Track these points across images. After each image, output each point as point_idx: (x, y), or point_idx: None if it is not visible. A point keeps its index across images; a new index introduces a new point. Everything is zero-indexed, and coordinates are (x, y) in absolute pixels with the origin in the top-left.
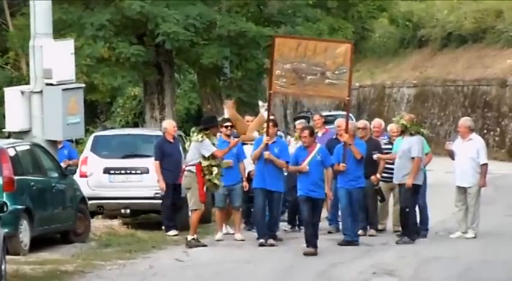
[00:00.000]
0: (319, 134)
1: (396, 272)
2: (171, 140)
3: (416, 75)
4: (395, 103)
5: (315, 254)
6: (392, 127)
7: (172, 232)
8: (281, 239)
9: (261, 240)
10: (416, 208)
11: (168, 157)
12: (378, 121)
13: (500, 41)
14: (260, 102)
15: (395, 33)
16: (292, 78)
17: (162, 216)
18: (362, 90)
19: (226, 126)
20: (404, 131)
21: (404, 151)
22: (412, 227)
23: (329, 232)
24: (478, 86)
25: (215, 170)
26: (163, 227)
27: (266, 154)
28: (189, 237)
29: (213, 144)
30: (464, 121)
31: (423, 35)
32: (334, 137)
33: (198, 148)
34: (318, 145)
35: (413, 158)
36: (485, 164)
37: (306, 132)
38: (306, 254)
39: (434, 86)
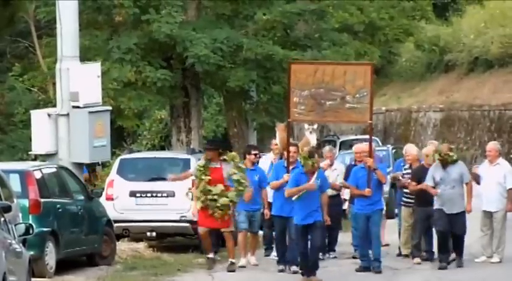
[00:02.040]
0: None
1: None
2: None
3: (442, 99)
4: (421, 127)
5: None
6: (413, 153)
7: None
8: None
9: (281, 266)
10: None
11: None
12: (410, 147)
13: None
14: (306, 125)
15: (422, 57)
16: (311, 105)
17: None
18: (388, 114)
19: (255, 155)
20: (447, 161)
21: (456, 179)
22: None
23: (354, 257)
24: (505, 111)
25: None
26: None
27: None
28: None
29: (204, 167)
30: (494, 145)
31: (450, 59)
32: (353, 163)
33: None
34: (318, 170)
35: (466, 183)
36: None
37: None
38: None
39: (460, 110)
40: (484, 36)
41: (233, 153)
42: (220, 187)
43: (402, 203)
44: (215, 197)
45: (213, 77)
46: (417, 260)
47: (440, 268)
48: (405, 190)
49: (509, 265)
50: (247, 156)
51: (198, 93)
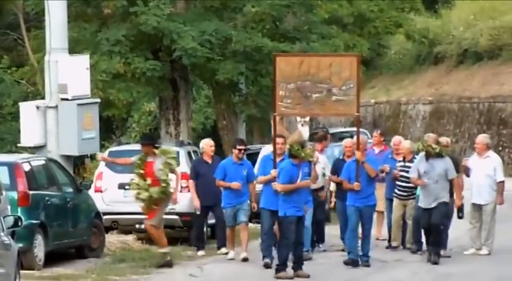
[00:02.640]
0: (376, 151)
1: None
2: (208, 161)
3: (431, 92)
4: (410, 120)
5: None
6: (407, 146)
7: (201, 253)
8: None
9: (266, 260)
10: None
11: (202, 178)
12: (397, 139)
13: None
14: (298, 118)
15: (411, 50)
16: (297, 98)
17: (193, 236)
18: (377, 107)
19: (240, 150)
20: (431, 153)
21: (440, 174)
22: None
23: (342, 250)
24: (494, 103)
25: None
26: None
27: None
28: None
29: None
30: (483, 138)
31: (439, 51)
32: (341, 157)
33: None
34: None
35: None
36: (502, 182)
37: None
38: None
39: (449, 103)
40: (473, 28)
41: (165, 148)
42: (148, 182)
43: (395, 195)
44: (140, 191)
45: (201, 69)
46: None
47: (432, 262)
48: (398, 183)
49: (498, 257)
50: (233, 150)
51: (187, 86)
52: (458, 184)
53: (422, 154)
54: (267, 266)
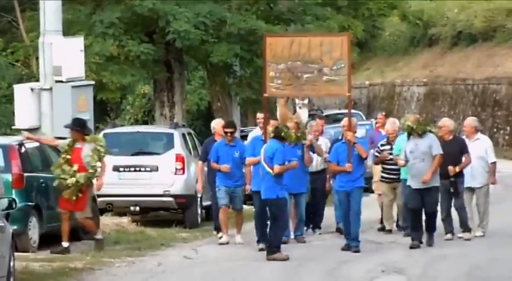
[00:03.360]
0: (383, 133)
1: (405, 270)
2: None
3: (426, 73)
4: (405, 101)
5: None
6: (388, 128)
7: (220, 235)
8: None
9: (261, 245)
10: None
11: None
12: (391, 121)
13: (510, 39)
14: (296, 100)
15: (406, 31)
16: (288, 79)
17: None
18: (372, 88)
19: (226, 133)
20: (411, 132)
21: (425, 152)
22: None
23: (337, 230)
24: (488, 85)
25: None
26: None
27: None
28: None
29: (68, 146)
30: (470, 121)
31: (433, 33)
32: (340, 137)
33: None
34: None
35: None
36: (494, 163)
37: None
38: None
39: (444, 84)
40: (467, 10)
41: (96, 135)
42: (74, 168)
43: (381, 179)
44: (66, 176)
45: (196, 51)
46: (449, 236)
47: (412, 247)
48: (384, 166)
49: (491, 239)
50: (223, 134)
51: (181, 68)
52: (438, 161)
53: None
54: (263, 250)
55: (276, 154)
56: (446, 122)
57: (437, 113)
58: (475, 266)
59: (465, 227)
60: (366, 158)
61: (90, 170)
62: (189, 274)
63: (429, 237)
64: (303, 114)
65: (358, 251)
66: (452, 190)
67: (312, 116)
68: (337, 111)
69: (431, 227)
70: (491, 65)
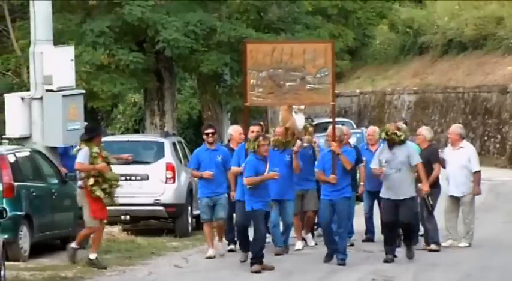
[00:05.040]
0: None
1: (395, 279)
2: (235, 148)
3: (416, 82)
4: (396, 110)
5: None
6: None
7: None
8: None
9: (243, 259)
10: None
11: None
12: (372, 129)
13: (500, 48)
14: (295, 107)
15: (396, 40)
16: (269, 87)
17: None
18: (363, 97)
19: (207, 134)
20: (393, 141)
21: (402, 162)
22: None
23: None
24: (479, 93)
25: (91, 180)
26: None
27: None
28: (91, 256)
29: (94, 153)
30: (455, 128)
31: (424, 42)
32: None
33: None
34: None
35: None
36: (479, 171)
37: (267, 142)
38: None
39: (434, 92)
40: (458, 18)
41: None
42: (115, 173)
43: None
44: (118, 183)
45: (186, 60)
46: (434, 246)
47: (386, 261)
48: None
49: (482, 247)
50: (204, 137)
51: (172, 77)
52: (422, 169)
53: (385, 143)
54: (243, 262)
55: (246, 166)
56: (423, 131)
57: (428, 122)
58: (467, 274)
59: (431, 238)
60: (351, 169)
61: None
62: None
63: (408, 249)
64: (299, 119)
65: (343, 264)
66: (425, 206)
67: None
68: (328, 119)
69: (408, 239)
70: (481, 73)
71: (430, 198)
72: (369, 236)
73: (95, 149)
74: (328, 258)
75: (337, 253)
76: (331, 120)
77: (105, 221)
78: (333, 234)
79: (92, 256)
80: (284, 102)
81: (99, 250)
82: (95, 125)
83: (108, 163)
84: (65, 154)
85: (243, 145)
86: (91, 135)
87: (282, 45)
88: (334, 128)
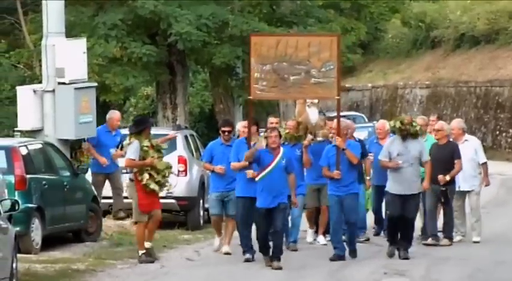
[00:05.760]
0: None
1: (407, 272)
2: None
3: (429, 76)
4: (407, 104)
5: (281, 268)
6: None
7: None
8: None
9: (247, 256)
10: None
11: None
12: (381, 123)
13: None
14: (308, 100)
15: (408, 34)
16: (273, 81)
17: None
18: (375, 91)
19: (224, 132)
20: (406, 133)
21: (415, 157)
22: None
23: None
24: (491, 87)
25: (146, 175)
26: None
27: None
28: (140, 252)
29: (145, 146)
30: (457, 123)
31: (436, 36)
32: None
33: None
34: (282, 149)
35: (426, 162)
36: (485, 163)
37: (275, 133)
38: (274, 268)
39: (446, 87)
40: (470, 12)
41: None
42: (165, 161)
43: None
44: (171, 172)
45: (198, 53)
46: (430, 240)
47: (390, 254)
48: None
49: (493, 242)
50: (221, 132)
51: (184, 70)
52: (430, 167)
53: (396, 135)
54: (249, 261)
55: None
56: (445, 126)
57: (440, 116)
58: (478, 268)
59: (430, 232)
60: (358, 164)
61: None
62: (191, 276)
63: (405, 249)
64: (312, 113)
65: (355, 257)
66: (442, 200)
67: None
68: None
69: (409, 237)
70: (493, 68)
71: (446, 190)
72: (377, 229)
73: (146, 143)
74: (336, 258)
75: (350, 251)
76: (344, 113)
77: (160, 210)
78: (341, 233)
79: (148, 245)
80: (288, 96)
81: (111, 241)
82: (143, 117)
83: (160, 150)
84: (99, 146)
85: (242, 139)
86: (140, 128)
87: (287, 38)
88: (338, 123)
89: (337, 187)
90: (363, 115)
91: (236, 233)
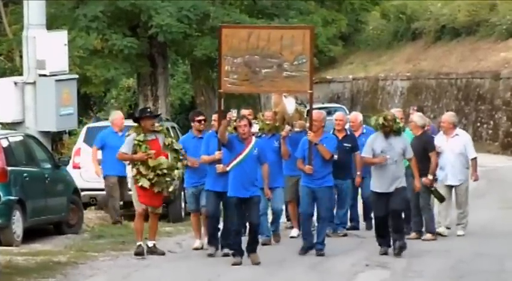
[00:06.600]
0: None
1: (389, 264)
2: None
3: (409, 68)
4: (388, 96)
5: (259, 263)
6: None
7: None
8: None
9: (225, 250)
10: None
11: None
12: (354, 115)
13: (493, 34)
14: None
15: (389, 26)
16: (244, 74)
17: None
18: (356, 82)
19: (199, 121)
20: (389, 130)
21: (399, 154)
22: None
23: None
24: (472, 79)
25: (134, 170)
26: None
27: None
28: (150, 243)
29: (137, 140)
30: (448, 117)
31: (417, 27)
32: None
33: None
34: (254, 138)
35: (409, 159)
36: (475, 158)
37: (245, 122)
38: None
39: (427, 78)
40: (451, 4)
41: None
42: (166, 160)
43: None
44: (165, 171)
45: (179, 45)
46: (413, 235)
47: (384, 254)
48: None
49: (475, 234)
50: (192, 123)
51: (165, 62)
52: (415, 164)
53: (378, 132)
54: (211, 256)
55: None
56: (415, 117)
57: (421, 107)
58: (459, 260)
59: (427, 228)
60: (330, 159)
61: (179, 157)
62: (173, 268)
63: (398, 241)
64: (289, 103)
65: (322, 255)
66: (436, 197)
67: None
68: (321, 105)
69: (400, 228)
70: (474, 59)
71: (436, 189)
72: (354, 224)
73: (140, 137)
74: (303, 251)
75: (316, 243)
76: (324, 105)
77: (159, 210)
78: (311, 226)
79: (151, 243)
80: (260, 90)
81: (93, 233)
82: (146, 108)
83: (176, 150)
84: (108, 149)
85: (212, 133)
86: (138, 115)
87: (259, 30)
88: (311, 117)
89: (311, 180)
90: (344, 107)
91: None
